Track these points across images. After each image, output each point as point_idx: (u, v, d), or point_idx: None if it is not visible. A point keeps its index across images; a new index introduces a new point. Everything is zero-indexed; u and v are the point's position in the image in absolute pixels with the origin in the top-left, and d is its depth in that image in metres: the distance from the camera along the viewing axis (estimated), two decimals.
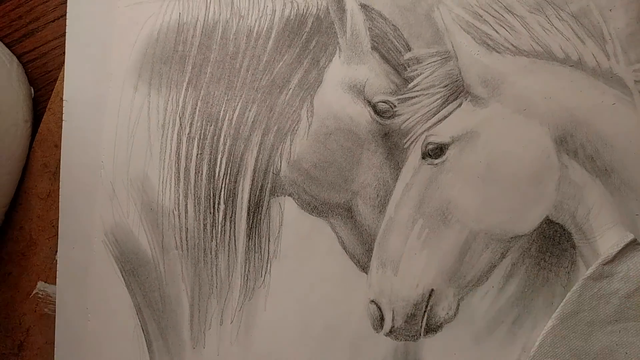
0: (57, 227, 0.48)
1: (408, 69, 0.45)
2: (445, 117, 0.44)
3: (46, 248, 0.49)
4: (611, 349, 0.43)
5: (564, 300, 0.44)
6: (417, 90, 0.45)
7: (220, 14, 0.46)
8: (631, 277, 0.43)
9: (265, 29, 0.46)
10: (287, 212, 0.46)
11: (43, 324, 0.49)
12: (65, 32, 0.48)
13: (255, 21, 0.46)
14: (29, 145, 0.49)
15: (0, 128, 0.45)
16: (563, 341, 0.44)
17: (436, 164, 0.45)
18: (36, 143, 0.49)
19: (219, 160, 0.46)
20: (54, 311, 0.48)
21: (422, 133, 0.45)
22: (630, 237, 0.43)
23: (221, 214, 0.46)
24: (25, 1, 0.49)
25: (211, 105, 0.46)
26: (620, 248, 0.43)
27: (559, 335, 0.44)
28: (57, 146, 0.48)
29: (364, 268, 0.46)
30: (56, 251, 0.48)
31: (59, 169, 0.48)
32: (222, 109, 0.46)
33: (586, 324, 0.43)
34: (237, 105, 0.46)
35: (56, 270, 0.48)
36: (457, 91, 0.44)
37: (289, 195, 0.46)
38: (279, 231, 0.46)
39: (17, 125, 0.47)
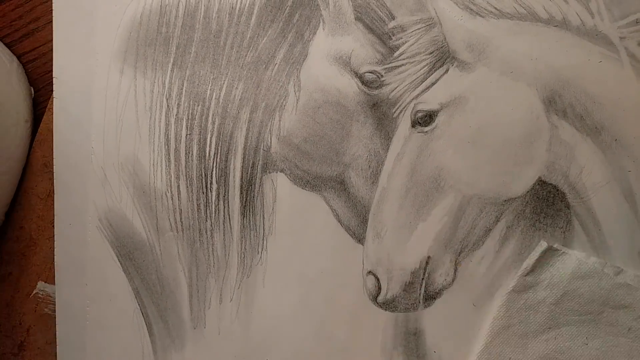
0: None
1: (393, 37, 0.45)
2: (433, 84, 0.44)
3: (46, 248, 0.49)
4: (549, 357, 0.43)
5: (492, 316, 0.44)
6: (403, 59, 0.44)
7: None
8: (555, 283, 0.43)
9: (247, 5, 0.45)
10: (280, 188, 0.46)
11: (43, 324, 0.49)
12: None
13: None
14: (29, 145, 0.49)
15: (0, 128, 0.45)
16: (499, 357, 0.43)
17: (426, 131, 0.45)
18: (36, 143, 0.49)
19: (208, 139, 0.46)
20: (54, 311, 0.48)
21: (411, 101, 0.45)
22: (544, 245, 0.43)
23: (214, 193, 0.46)
24: (25, 1, 0.49)
25: (197, 84, 0.46)
26: (536, 257, 0.43)
27: (494, 352, 0.44)
28: None
29: (360, 240, 0.46)
30: None
31: None
32: (209, 87, 0.46)
33: (519, 337, 0.43)
34: (223, 83, 0.46)
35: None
36: (443, 57, 0.44)
37: (281, 171, 0.46)
38: (273, 207, 0.46)
39: (17, 125, 0.47)
